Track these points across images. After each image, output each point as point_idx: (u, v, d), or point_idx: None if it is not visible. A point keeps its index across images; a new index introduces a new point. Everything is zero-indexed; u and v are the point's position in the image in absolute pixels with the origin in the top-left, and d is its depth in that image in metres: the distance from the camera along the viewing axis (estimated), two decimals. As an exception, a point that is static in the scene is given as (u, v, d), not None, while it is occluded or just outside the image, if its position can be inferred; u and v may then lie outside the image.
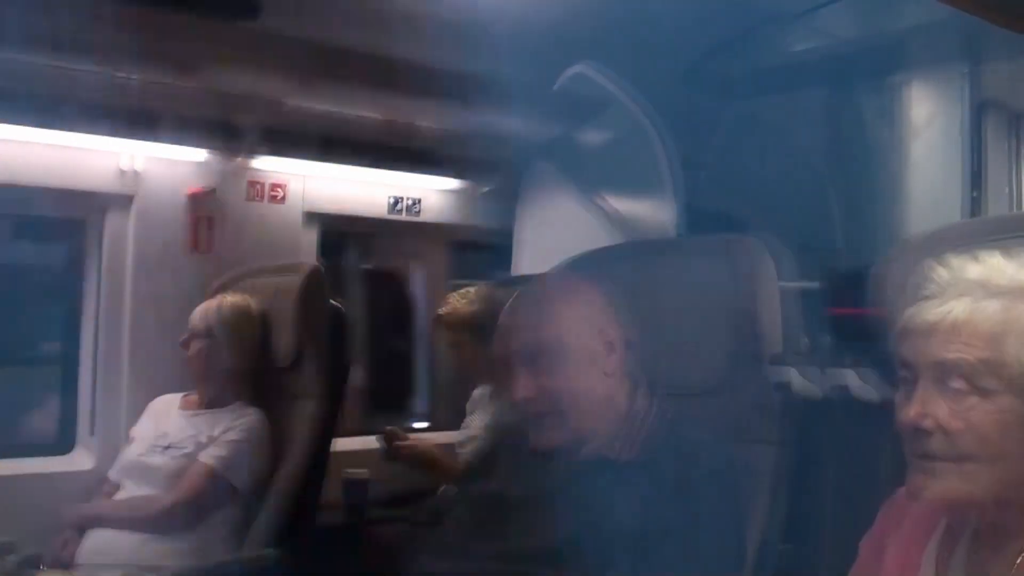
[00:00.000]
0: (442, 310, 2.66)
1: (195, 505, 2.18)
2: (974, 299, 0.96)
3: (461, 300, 2.65)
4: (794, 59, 2.45)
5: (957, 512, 1.04)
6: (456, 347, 2.63)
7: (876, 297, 1.32)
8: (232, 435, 2.26)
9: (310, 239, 3.01)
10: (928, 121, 2.23)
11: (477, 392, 2.67)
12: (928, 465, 0.98)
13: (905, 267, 1.30)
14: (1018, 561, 0.97)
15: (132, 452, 2.34)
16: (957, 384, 0.96)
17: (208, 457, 2.22)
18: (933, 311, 0.98)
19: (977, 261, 1.00)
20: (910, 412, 0.98)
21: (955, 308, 0.97)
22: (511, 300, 1.52)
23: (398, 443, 2.62)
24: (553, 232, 3.16)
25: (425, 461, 2.62)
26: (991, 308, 0.95)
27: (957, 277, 0.99)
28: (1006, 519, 0.99)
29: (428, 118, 2.80)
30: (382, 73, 2.44)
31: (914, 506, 1.09)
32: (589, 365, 1.42)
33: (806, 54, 2.41)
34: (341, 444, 2.57)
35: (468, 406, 2.67)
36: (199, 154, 2.73)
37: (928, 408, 0.97)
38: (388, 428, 2.67)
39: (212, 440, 2.26)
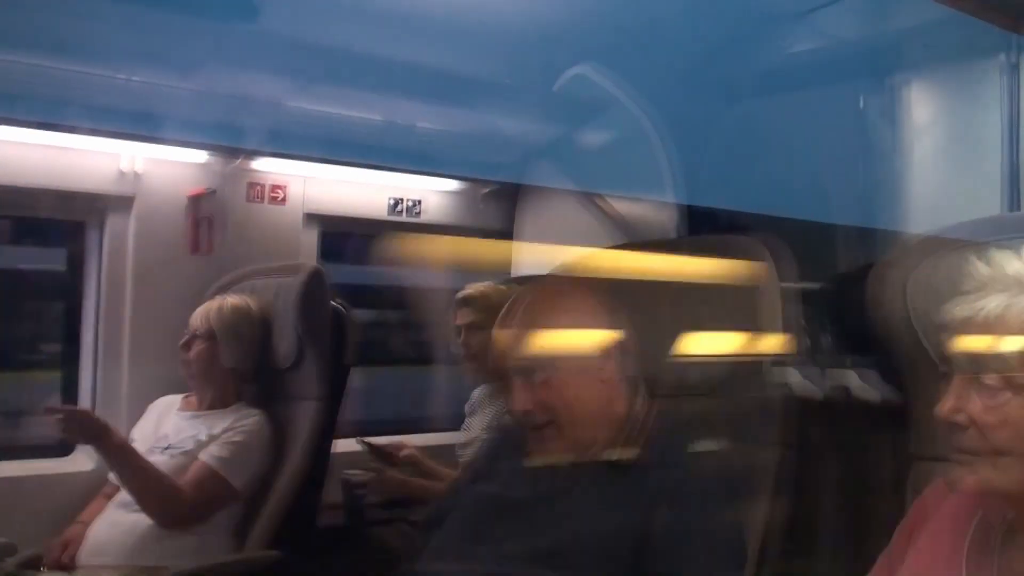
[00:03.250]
0: (467, 291, 2.60)
1: (192, 503, 2.17)
2: (1010, 295, 0.97)
3: (481, 287, 2.61)
4: (796, 60, 2.45)
5: (995, 505, 1.05)
6: (478, 328, 2.54)
7: (877, 297, 1.32)
8: (233, 435, 2.26)
9: (310, 240, 3.01)
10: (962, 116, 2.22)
11: (476, 393, 2.66)
12: (964, 459, 0.99)
13: (907, 267, 1.30)
14: None
15: (132, 453, 2.33)
16: (990, 380, 0.97)
17: (207, 456, 2.22)
18: (967, 307, 0.99)
19: (1018, 256, 1.00)
20: (945, 407, 1.00)
21: (989, 304, 0.97)
22: (504, 310, 1.50)
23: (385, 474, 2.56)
24: (554, 233, 3.16)
25: (413, 492, 2.56)
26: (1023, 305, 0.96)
27: (996, 273, 0.99)
28: None
29: (429, 119, 2.80)
30: (382, 74, 2.44)
31: (946, 503, 1.10)
32: (586, 374, 1.42)
33: (810, 55, 2.41)
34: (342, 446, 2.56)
35: (467, 408, 2.67)
36: (200, 156, 2.73)
37: (961, 403, 0.98)
38: (376, 446, 2.60)
39: (212, 439, 2.25)
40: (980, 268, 1.01)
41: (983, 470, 0.98)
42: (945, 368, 1.02)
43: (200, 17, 2.04)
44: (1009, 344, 0.96)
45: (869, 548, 1.23)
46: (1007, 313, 0.96)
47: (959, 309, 1.00)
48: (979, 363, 0.97)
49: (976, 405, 0.97)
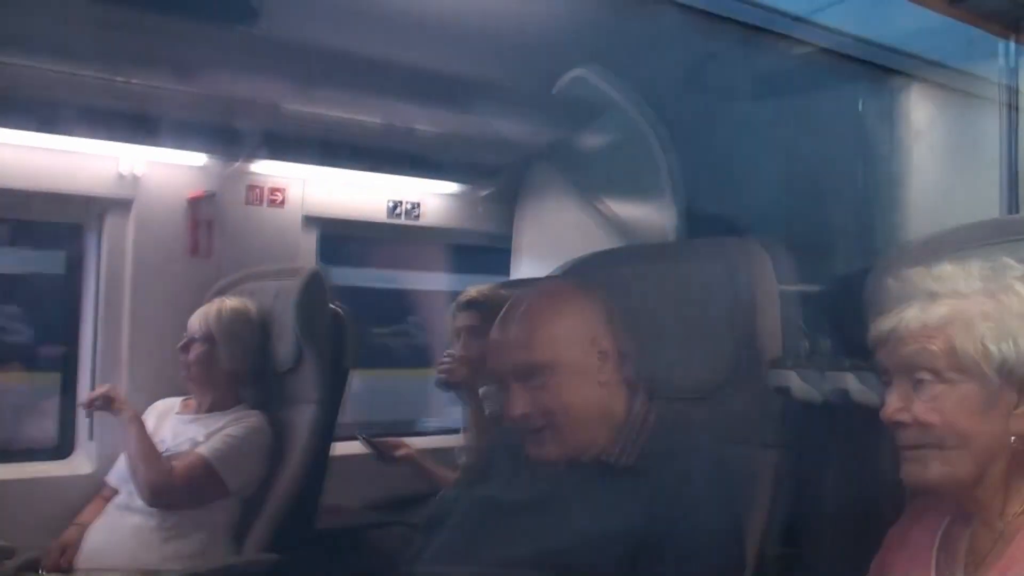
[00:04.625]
0: (468, 294, 2.60)
1: (179, 487, 2.16)
2: (922, 307, 1.08)
3: (483, 289, 2.60)
4: (795, 62, 2.45)
5: (949, 495, 1.12)
6: (478, 331, 2.53)
7: (875, 300, 1.32)
8: (230, 430, 2.26)
9: (309, 243, 3.01)
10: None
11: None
12: (914, 454, 1.09)
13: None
14: (1001, 527, 1.08)
15: (131, 456, 2.33)
16: (923, 376, 1.07)
17: (203, 448, 2.23)
18: (890, 320, 1.11)
19: (927, 272, 1.12)
20: (888, 409, 1.10)
21: (907, 314, 1.09)
22: (501, 313, 1.50)
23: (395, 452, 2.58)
24: (553, 236, 3.16)
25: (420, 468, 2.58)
26: (936, 309, 1.07)
27: (909, 289, 1.11)
28: (987, 495, 1.08)
29: (427, 122, 2.80)
30: (382, 77, 2.45)
31: (916, 526, 1.18)
32: (584, 377, 1.41)
33: (809, 56, 2.41)
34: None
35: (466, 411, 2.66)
36: (198, 158, 2.73)
37: (903, 403, 1.09)
38: (375, 444, 2.61)
39: (210, 436, 2.26)
40: (893, 286, 1.13)
41: (933, 464, 1.07)
42: (886, 378, 1.13)
43: (200, 20, 2.05)
44: (930, 340, 1.07)
45: (867, 551, 1.23)
46: (922, 316, 1.08)
47: (884, 323, 1.11)
48: (911, 365, 1.08)
49: (917, 404, 1.08)
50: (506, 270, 3.31)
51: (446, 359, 2.44)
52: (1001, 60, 2.06)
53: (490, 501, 1.48)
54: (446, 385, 2.43)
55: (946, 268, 1.11)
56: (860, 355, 1.45)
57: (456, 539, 1.48)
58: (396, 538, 2.55)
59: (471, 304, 2.52)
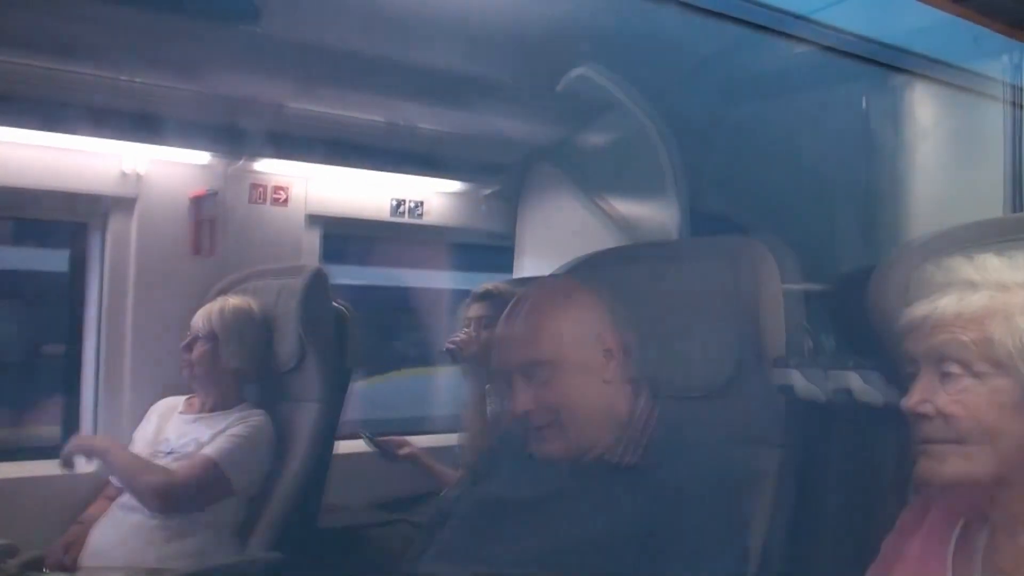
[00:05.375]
0: (484, 286, 2.61)
1: (184, 487, 2.16)
2: (960, 295, 1.05)
3: (499, 284, 2.62)
4: (798, 61, 2.44)
5: (964, 495, 1.09)
6: (488, 324, 2.55)
7: (878, 298, 1.31)
8: (235, 430, 2.26)
9: (312, 241, 3.02)
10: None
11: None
12: (932, 449, 1.05)
13: (908, 269, 1.30)
14: None
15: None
16: (952, 368, 1.04)
17: (208, 449, 2.22)
18: (925, 306, 1.07)
19: (969, 261, 1.08)
20: (911, 400, 1.06)
21: (942, 302, 1.06)
22: (506, 311, 1.50)
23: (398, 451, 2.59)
24: (556, 235, 3.16)
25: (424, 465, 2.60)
26: (976, 299, 1.04)
27: (949, 277, 1.08)
28: (1015, 503, 1.04)
29: (430, 120, 2.80)
30: (384, 76, 2.45)
31: (933, 510, 1.14)
32: (588, 374, 1.42)
33: (813, 54, 2.40)
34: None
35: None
36: (202, 157, 2.73)
37: (927, 395, 1.05)
38: (378, 442, 2.63)
39: (215, 437, 2.26)
40: (935, 274, 1.10)
41: (951, 459, 1.03)
42: (912, 368, 1.09)
43: (203, 19, 2.05)
44: (964, 330, 1.03)
45: (871, 550, 1.23)
46: (959, 305, 1.05)
47: (918, 309, 1.08)
48: (941, 354, 1.05)
49: (942, 396, 1.04)
50: (509, 269, 3.31)
51: (459, 334, 2.45)
52: (1006, 58, 2.05)
53: (493, 499, 1.48)
54: (453, 356, 2.44)
55: (991, 259, 1.08)
56: (864, 354, 1.45)
57: (459, 537, 1.48)
58: (399, 537, 2.56)
59: (486, 295, 2.54)
